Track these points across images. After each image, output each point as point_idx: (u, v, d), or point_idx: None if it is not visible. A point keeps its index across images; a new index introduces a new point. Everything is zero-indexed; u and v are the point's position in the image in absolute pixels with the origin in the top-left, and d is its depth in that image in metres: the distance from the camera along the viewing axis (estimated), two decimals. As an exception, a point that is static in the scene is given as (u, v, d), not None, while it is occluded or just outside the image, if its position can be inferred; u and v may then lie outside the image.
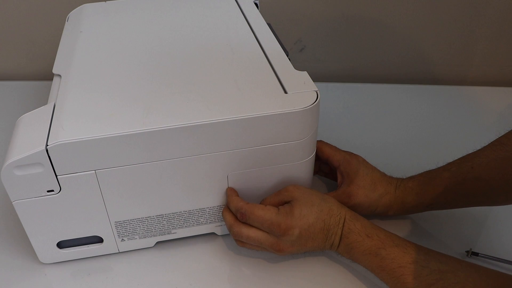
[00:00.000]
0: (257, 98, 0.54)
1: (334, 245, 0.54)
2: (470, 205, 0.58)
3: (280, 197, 0.57)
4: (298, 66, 0.59)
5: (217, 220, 0.61)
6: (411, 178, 0.61)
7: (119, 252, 0.61)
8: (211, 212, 0.59)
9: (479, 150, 0.55)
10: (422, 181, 0.59)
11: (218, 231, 0.62)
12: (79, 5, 0.78)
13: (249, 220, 0.54)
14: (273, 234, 0.54)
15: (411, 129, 0.83)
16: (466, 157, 0.56)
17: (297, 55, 0.98)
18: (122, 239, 0.59)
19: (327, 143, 0.65)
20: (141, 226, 0.58)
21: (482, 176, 0.53)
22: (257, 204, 0.55)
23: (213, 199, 0.58)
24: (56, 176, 0.51)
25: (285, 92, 0.55)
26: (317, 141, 0.64)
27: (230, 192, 0.57)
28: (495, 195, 0.54)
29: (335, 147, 0.65)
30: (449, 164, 0.58)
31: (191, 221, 0.60)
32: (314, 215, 0.53)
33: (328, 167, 0.68)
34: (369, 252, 0.52)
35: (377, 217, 0.63)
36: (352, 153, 0.64)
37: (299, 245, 0.54)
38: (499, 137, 0.53)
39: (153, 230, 0.59)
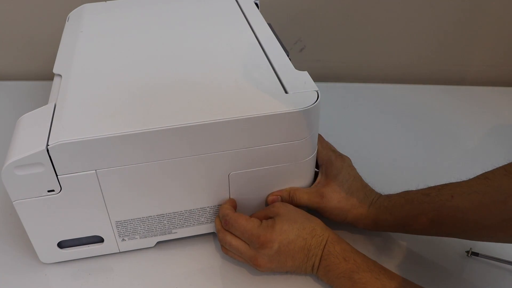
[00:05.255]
0: (257, 98, 0.54)
1: (315, 267, 0.54)
2: (442, 235, 0.57)
3: (266, 212, 0.57)
4: (298, 66, 0.59)
5: (217, 220, 0.61)
6: (388, 196, 0.59)
7: (120, 252, 0.61)
8: (211, 211, 0.60)
9: (463, 181, 0.54)
10: (398, 202, 0.57)
11: (219, 231, 0.62)
12: (80, 5, 0.78)
13: (232, 228, 0.55)
14: (252, 246, 0.54)
15: (410, 129, 0.83)
16: (448, 185, 0.55)
17: (297, 55, 0.98)
18: (123, 239, 0.59)
19: (322, 139, 0.64)
20: (142, 226, 0.58)
21: (460, 206, 0.52)
22: (242, 214, 0.56)
23: (213, 198, 0.58)
24: (56, 176, 0.51)
25: (286, 92, 0.55)
26: (323, 138, 0.63)
27: (227, 200, 0.58)
28: (468, 229, 0.53)
29: (327, 144, 0.64)
30: (429, 188, 0.56)
31: (191, 220, 0.60)
32: (295, 232, 0.54)
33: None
34: (343, 275, 0.51)
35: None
36: (340, 155, 0.63)
37: (278, 262, 0.54)
38: (485, 172, 0.51)
39: (154, 230, 0.59)
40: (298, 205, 0.60)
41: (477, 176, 0.52)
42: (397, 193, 0.59)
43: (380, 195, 0.60)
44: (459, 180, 0.54)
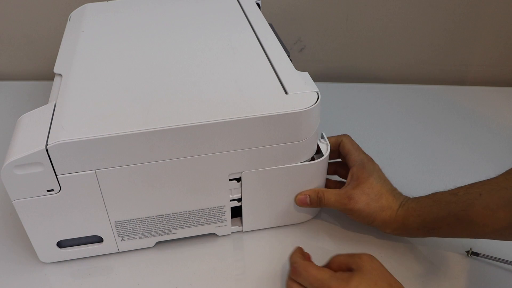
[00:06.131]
0: (257, 99, 0.54)
1: None
2: (476, 236, 0.54)
3: (350, 260, 0.51)
4: (298, 66, 0.59)
5: (217, 221, 0.61)
6: (416, 199, 0.58)
7: (119, 252, 0.61)
8: (211, 212, 0.59)
9: (491, 178, 0.52)
10: (426, 203, 0.56)
11: (218, 232, 0.62)
12: (81, 5, 0.78)
13: (300, 277, 0.51)
14: None
15: (411, 129, 0.83)
16: (476, 183, 0.53)
17: (297, 55, 0.98)
18: (122, 239, 0.59)
19: (351, 140, 0.64)
20: (141, 226, 0.58)
21: (490, 204, 0.50)
22: (312, 263, 0.52)
23: (213, 199, 0.58)
24: (56, 175, 0.51)
25: (286, 93, 0.55)
26: (344, 135, 0.63)
27: (296, 248, 0.56)
28: (500, 228, 0.50)
29: (358, 146, 0.63)
30: (457, 188, 0.54)
31: (191, 221, 0.60)
32: None
33: (345, 170, 0.65)
34: None
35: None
36: (371, 158, 0.62)
37: None
38: None
39: (153, 230, 0.59)
40: (325, 206, 0.60)
41: (506, 171, 0.51)
42: (425, 195, 0.57)
43: (408, 198, 0.59)
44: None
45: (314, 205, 0.61)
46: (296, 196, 0.61)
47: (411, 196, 0.59)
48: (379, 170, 0.61)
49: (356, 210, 0.58)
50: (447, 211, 0.53)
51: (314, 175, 0.60)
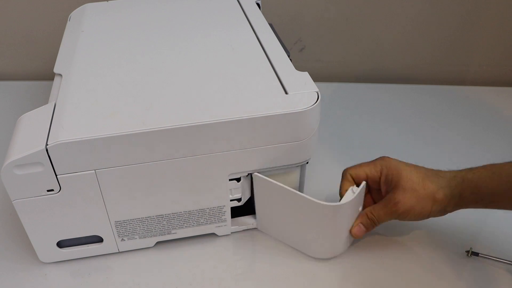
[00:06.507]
0: (257, 99, 0.54)
1: None
2: None
3: None
4: (297, 66, 0.59)
5: (217, 221, 0.61)
6: (470, 170, 0.54)
7: (119, 252, 0.61)
8: (211, 212, 0.59)
9: None
10: (484, 175, 0.52)
11: (218, 232, 0.62)
12: (81, 5, 0.78)
13: None
14: None
15: (411, 129, 0.83)
16: None
17: (297, 55, 0.98)
18: (122, 239, 0.59)
19: (355, 166, 0.59)
20: (141, 226, 0.58)
21: None
22: None
23: (213, 199, 0.58)
24: (56, 175, 0.51)
25: (286, 93, 0.55)
26: (345, 171, 0.59)
27: None
28: None
29: (362, 163, 0.59)
30: None
31: (191, 221, 0.60)
32: None
33: (374, 194, 0.61)
34: None
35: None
36: (382, 156, 0.59)
37: None
38: None
39: (153, 230, 0.59)
40: (380, 223, 0.57)
41: None
42: (480, 166, 0.54)
43: (456, 170, 0.55)
44: None
45: (371, 228, 0.58)
46: (350, 232, 0.58)
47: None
48: (400, 161, 0.58)
49: (410, 209, 0.54)
50: (509, 184, 0.51)
51: (337, 218, 0.56)
